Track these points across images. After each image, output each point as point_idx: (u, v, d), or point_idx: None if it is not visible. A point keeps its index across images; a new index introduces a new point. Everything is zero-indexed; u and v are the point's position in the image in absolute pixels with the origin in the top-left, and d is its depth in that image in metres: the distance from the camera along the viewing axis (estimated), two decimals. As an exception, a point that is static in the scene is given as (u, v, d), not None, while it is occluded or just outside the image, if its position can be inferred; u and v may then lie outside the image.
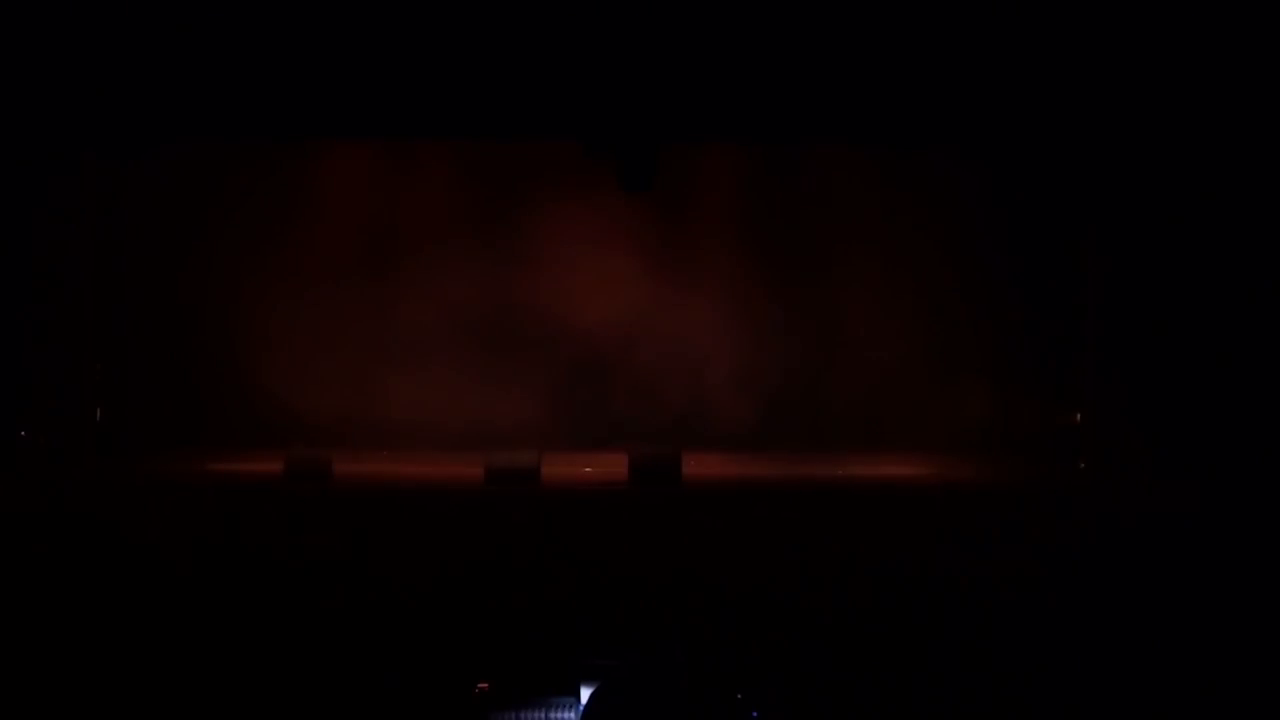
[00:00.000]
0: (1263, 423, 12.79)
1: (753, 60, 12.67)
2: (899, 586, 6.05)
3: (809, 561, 6.66)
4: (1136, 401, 13.92)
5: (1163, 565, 6.71)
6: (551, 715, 4.82)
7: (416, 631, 5.33)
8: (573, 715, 4.80)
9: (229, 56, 12.57)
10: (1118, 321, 14.27)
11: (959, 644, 5.04)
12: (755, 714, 4.40)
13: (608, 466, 13.83)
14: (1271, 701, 4.68)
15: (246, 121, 13.47)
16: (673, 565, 6.68)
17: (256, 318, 15.82)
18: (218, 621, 5.26)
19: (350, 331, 16.29)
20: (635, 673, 3.87)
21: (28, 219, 13.73)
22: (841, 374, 16.46)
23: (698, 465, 13.77)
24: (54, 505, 9.81)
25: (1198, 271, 13.36)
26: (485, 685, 4.88)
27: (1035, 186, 15.19)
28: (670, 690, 3.76)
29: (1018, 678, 4.74)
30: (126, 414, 14.99)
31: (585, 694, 4.92)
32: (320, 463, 13.10)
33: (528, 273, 16.53)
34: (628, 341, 16.61)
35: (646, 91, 12.91)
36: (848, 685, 4.73)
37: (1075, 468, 14.63)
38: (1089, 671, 4.81)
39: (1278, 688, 4.71)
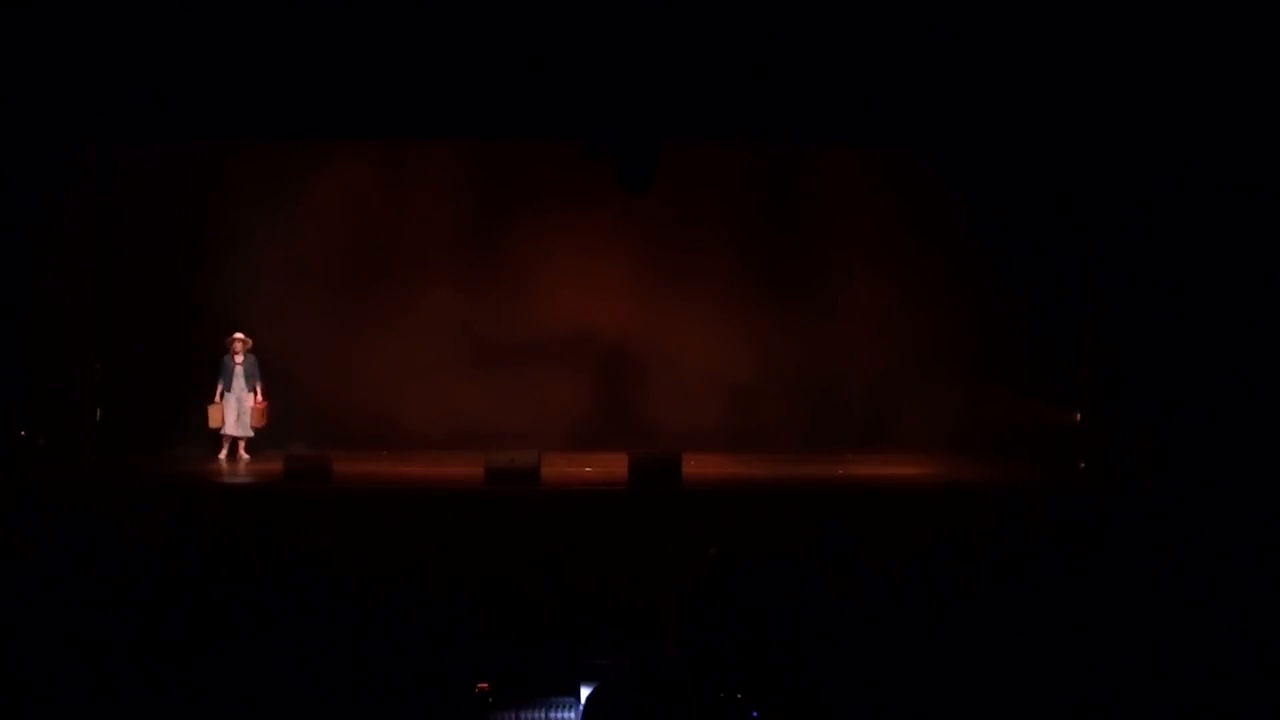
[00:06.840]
0: (1261, 423, 12.80)
1: (753, 61, 12.69)
2: (899, 586, 6.05)
3: (809, 561, 6.65)
4: (1136, 401, 13.93)
5: (1162, 565, 6.72)
6: (551, 715, 4.82)
7: (417, 631, 5.33)
8: (573, 715, 4.80)
9: (229, 57, 12.59)
10: (1117, 322, 14.28)
11: (959, 644, 5.04)
12: (755, 714, 4.40)
13: (608, 466, 13.84)
14: (1271, 701, 4.69)
15: (247, 122, 13.49)
16: (673, 565, 6.68)
17: (257, 319, 15.80)
18: (217, 622, 5.26)
19: (349, 332, 16.28)
20: (634, 672, 3.88)
21: (28, 220, 13.74)
22: (842, 375, 16.48)
23: (698, 465, 13.78)
24: (54, 505, 9.81)
25: (1196, 273, 13.37)
26: (485, 685, 4.88)
27: (1035, 188, 15.20)
28: (670, 690, 3.77)
29: (1017, 678, 4.75)
30: (126, 414, 14.99)
31: (585, 694, 4.92)
32: (320, 463, 13.11)
33: (529, 276, 16.53)
34: (629, 343, 16.62)
35: (647, 91, 12.92)
36: (848, 685, 4.73)
37: (1075, 468, 14.64)
38: (1088, 671, 4.82)
39: (1277, 687, 4.72)
